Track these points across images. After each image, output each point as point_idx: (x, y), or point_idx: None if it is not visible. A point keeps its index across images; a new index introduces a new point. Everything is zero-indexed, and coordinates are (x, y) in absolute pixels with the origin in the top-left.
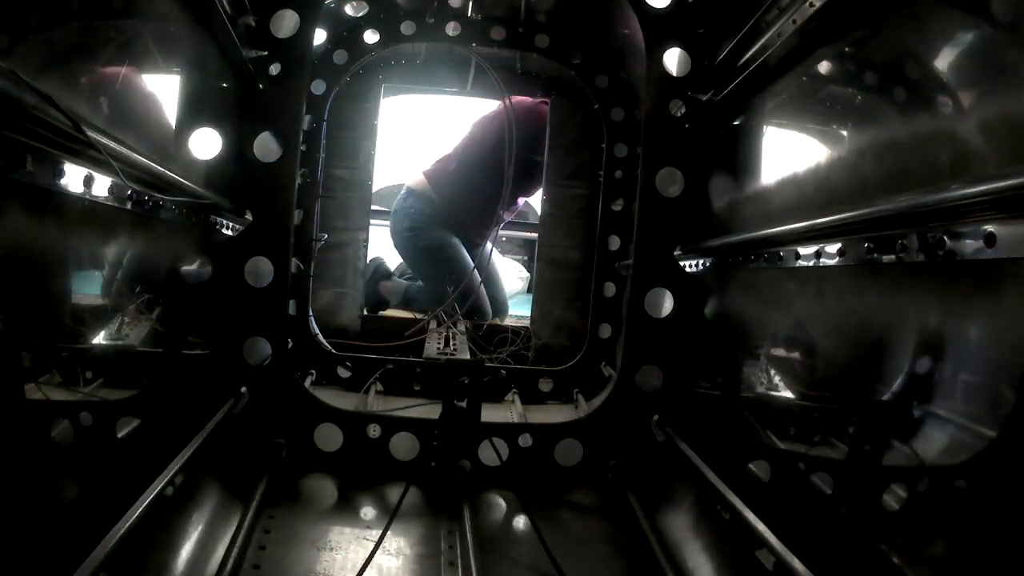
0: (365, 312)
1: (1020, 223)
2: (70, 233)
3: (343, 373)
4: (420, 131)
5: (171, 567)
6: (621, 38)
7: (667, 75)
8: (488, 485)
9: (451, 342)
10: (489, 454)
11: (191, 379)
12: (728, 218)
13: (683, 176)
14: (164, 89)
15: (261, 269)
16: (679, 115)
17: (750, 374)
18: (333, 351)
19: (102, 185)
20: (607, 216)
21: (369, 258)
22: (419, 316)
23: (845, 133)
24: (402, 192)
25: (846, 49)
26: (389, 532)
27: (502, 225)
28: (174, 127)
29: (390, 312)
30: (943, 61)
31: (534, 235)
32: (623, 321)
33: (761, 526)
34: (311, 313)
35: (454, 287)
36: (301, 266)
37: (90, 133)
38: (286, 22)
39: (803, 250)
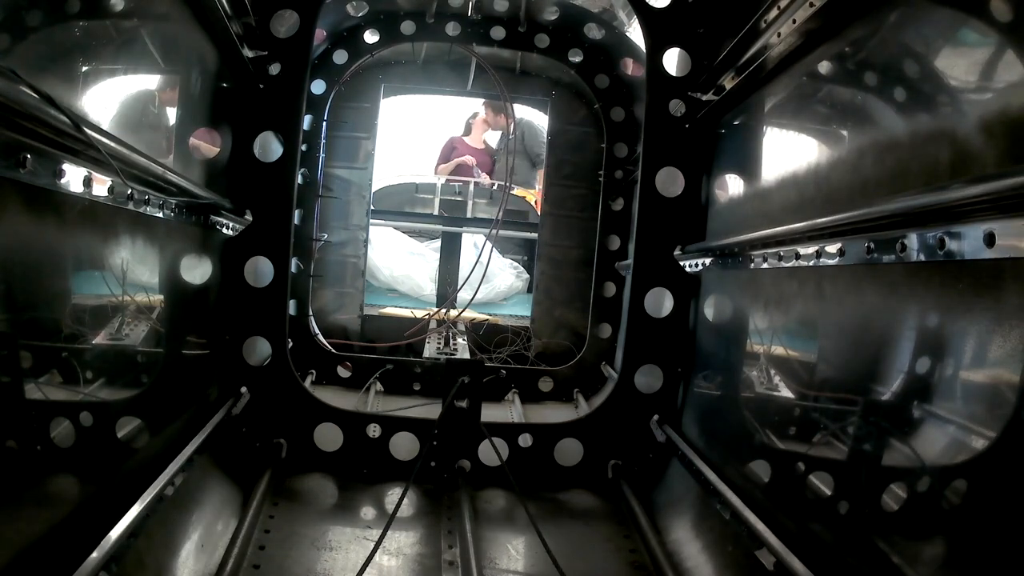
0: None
1: (1020, 223)
2: (68, 233)
3: (343, 373)
4: (420, 131)
5: (171, 567)
6: (621, 37)
7: (667, 75)
8: (488, 485)
9: (451, 342)
10: (489, 454)
11: (191, 379)
12: (728, 218)
13: (683, 176)
14: (164, 89)
15: (261, 269)
16: (679, 115)
17: (750, 374)
18: (333, 351)
19: (102, 185)
20: (607, 216)
21: None
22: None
23: (845, 133)
24: None
25: (846, 49)
26: (389, 532)
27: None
28: (174, 127)
29: (390, 311)
30: (942, 61)
31: (534, 235)
32: (623, 321)
33: (761, 526)
34: (311, 313)
35: None
36: (301, 266)
37: (90, 133)
38: (286, 22)
39: (803, 250)
